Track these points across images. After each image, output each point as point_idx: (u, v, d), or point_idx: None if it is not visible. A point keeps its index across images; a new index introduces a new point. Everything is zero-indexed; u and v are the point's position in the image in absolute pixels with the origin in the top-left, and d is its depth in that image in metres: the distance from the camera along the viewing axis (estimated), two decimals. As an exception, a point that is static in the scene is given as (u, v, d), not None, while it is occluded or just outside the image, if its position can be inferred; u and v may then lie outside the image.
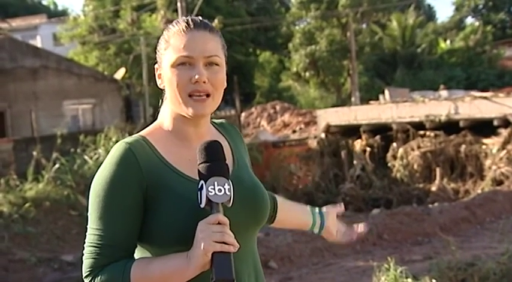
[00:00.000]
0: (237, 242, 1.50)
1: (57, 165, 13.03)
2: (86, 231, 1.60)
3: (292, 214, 1.99)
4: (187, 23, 1.63)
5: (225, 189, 1.50)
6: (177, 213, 1.56)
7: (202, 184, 1.51)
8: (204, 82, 1.58)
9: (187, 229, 1.52)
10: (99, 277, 1.54)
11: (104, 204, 1.56)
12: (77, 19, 29.94)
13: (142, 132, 1.68)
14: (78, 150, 14.03)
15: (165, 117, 1.67)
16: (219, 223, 1.46)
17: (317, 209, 2.04)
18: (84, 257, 1.58)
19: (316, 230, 2.02)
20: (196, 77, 1.57)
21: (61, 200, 12.29)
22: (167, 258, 1.53)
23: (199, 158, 1.54)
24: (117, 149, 1.59)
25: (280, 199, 1.96)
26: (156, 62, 1.69)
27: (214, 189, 1.49)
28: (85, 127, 20.33)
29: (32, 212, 11.56)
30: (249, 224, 1.65)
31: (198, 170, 1.54)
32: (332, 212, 2.05)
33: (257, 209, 1.66)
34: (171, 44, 1.61)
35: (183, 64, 1.59)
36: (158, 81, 1.67)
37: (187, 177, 1.61)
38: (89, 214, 1.59)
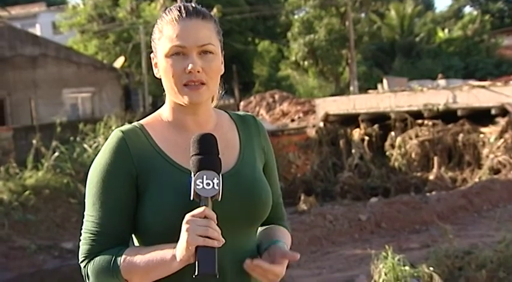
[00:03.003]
0: (228, 237, 1.49)
1: (56, 154, 13.07)
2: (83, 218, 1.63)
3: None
4: (179, 11, 1.60)
5: (213, 183, 1.48)
6: (163, 203, 1.55)
7: (191, 177, 1.50)
8: (198, 72, 1.56)
9: (173, 219, 1.51)
10: (91, 264, 1.56)
11: (96, 191, 1.57)
12: (76, 8, 29.89)
13: (141, 121, 1.68)
14: (78, 139, 14.07)
15: (165, 107, 1.67)
16: (205, 217, 1.45)
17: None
18: (80, 243, 1.60)
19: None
20: (190, 67, 1.55)
21: (60, 188, 12.33)
22: (155, 249, 1.52)
23: (192, 150, 1.53)
24: (111, 137, 1.61)
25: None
26: (152, 51, 1.67)
27: (202, 182, 1.48)
28: (84, 115, 20.34)
29: (32, 200, 11.60)
30: (243, 220, 1.61)
31: (191, 163, 1.52)
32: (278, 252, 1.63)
33: (252, 206, 1.61)
34: (164, 34, 1.60)
35: (176, 54, 1.57)
36: (155, 70, 1.66)
37: (179, 166, 1.59)
38: (85, 200, 1.61)
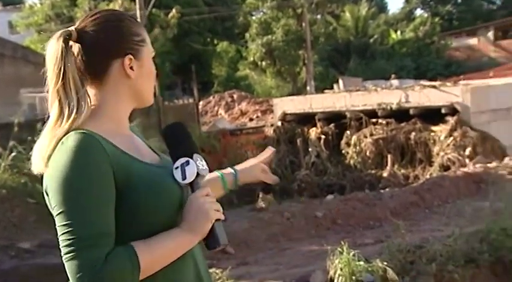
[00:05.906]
0: None
1: (14, 153, 12.92)
2: (56, 227, 1.48)
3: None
4: (136, 20, 1.71)
5: (203, 163, 1.62)
6: (150, 198, 1.54)
7: (187, 160, 1.58)
8: None
9: (158, 211, 1.55)
10: (105, 271, 1.41)
11: (87, 194, 1.46)
12: (33, 7, 29.37)
13: (81, 130, 1.55)
14: (35, 139, 13.88)
15: (103, 112, 1.63)
16: (207, 195, 1.58)
17: (228, 169, 2.04)
18: (71, 257, 1.43)
19: (231, 186, 2.00)
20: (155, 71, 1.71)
21: (18, 187, 12.13)
22: (165, 236, 1.53)
23: (174, 140, 1.61)
24: (78, 139, 1.50)
25: None
26: (127, 53, 1.61)
27: (201, 163, 1.60)
28: (42, 115, 19.88)
29: (-11, 200, 11.43)
30: None
31: (178, 149, 1.62)
32: (249, 161, 2.06)
33: None
34: (145, 37, 1.67)
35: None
36: (130, 73, 1.61)
37: (145, 163, 1.60)
38: (62, 211, 1.46)
